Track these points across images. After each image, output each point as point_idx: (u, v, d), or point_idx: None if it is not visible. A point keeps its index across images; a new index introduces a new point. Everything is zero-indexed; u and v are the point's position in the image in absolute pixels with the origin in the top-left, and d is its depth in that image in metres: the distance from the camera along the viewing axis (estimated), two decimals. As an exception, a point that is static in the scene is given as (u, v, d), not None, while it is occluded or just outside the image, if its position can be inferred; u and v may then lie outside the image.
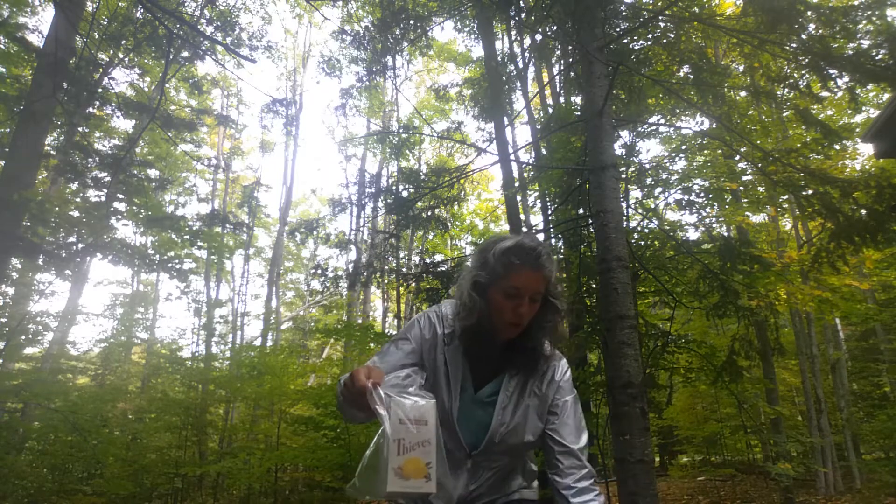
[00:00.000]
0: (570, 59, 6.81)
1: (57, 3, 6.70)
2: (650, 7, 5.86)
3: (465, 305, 1.24)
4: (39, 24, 12.47)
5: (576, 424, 1.28)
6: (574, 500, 1.18)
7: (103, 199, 9.51)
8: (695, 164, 6.63)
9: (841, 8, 4.58)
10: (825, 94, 5.41)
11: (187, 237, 9.49)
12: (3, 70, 8.39)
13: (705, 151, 6.94)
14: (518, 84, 8.96)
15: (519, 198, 8.46)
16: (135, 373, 14.83)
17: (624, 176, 5.84)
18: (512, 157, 8.23)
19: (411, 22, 8.13)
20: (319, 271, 7.64)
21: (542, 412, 1.28)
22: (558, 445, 1.25)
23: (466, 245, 18.21)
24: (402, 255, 14.61)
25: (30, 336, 7.77)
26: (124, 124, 13.52)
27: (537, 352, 1.27)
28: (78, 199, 10.27)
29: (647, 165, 6.45)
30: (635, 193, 6.52)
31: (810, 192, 4.89)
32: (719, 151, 6.69)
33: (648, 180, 6.26)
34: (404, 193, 7.29)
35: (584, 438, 1.27)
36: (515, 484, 1.38)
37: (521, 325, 1.22)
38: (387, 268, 8.74)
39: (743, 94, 6.16)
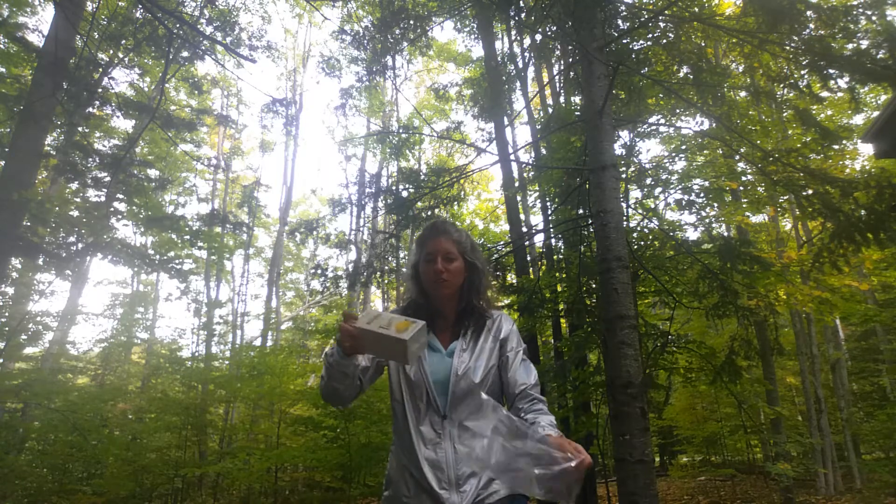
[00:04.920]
0: (570, 59, 6.81)
1: (57, 2, 6.70)
2: (650, 7, 5.86)
3: (408, 291, 1.67)
4: (39, 23, 12.48)
5: (525, 368, 1.57)
6: (527, 415, 1.46)
7: (103, 199, 9.50)
8: (695, 164, 6.63)
9: (841, 8, 4.57)
10: (825, 94, 5.41)
11: (187, 237, 9.49)
12: (3, 70, 8.39)
13: (705, 151, 6.94)
14: (518, 84, 8.95)
15: (519, 198, 8.47)
16: (135, 373, 14.83)
17: (624, 176, 5.83)
18: (512, 157, 8.24)
19: (411, 22, 8.13)
20: (319, 271, 7.64)
21: (492, 351, 1.57)
22: (516, 386, 1.53)
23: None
24: (402, 255, 14.59)
25: (30, 336, 7.78)
26: (124, 124, 13.54)
27: (477, 307, 1.62)
28: (78, 199, 10.26)
29: (647, 165, 6.45)
30: (635, 193, 6.53)
31: (810, 191, 4.88)
32: (719, 151, 6.69)
33: (648, 180, 6.25)
34: (404, 193, 7.29)
35: (534, 376, 1.57)
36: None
37: (444, 280, 1.56)
38: (387, 268, 8.73)
39: (743, 94, 6.15)
